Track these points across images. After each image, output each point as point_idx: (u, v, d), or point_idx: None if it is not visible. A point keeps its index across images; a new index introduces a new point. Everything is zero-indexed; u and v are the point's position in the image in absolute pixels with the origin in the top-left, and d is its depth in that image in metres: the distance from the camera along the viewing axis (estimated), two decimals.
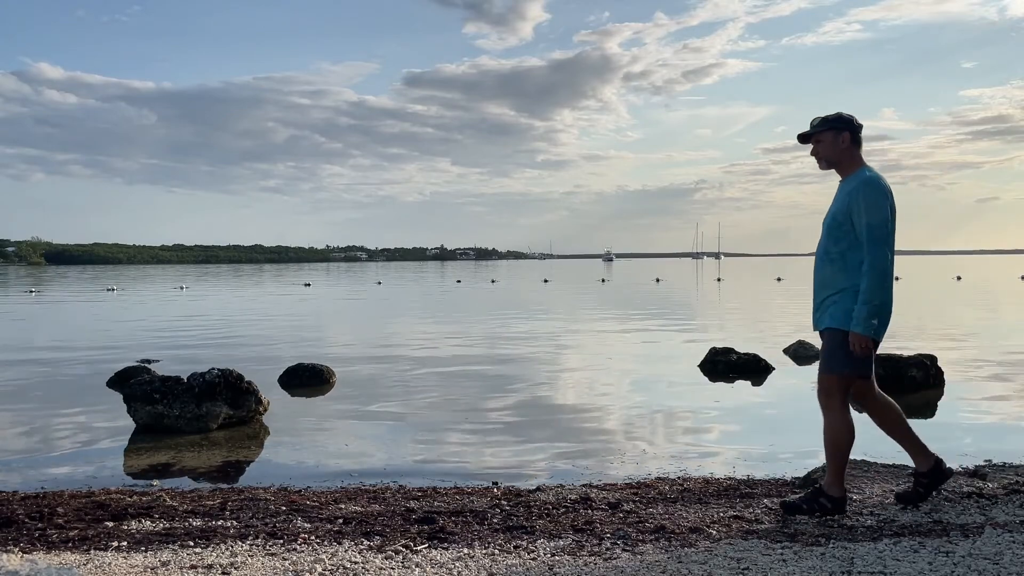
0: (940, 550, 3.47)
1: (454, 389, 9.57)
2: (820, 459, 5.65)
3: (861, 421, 7.95)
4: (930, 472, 4.24)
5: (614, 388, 9.62)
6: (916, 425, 7.53)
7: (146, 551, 3.60)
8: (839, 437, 4.11)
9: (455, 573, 3.28)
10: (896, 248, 4.09)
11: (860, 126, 4.19)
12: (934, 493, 4.29)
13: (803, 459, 5.90)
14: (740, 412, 8.11)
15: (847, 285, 4.01)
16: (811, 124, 4.21)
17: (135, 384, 7.51)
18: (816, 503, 4.12)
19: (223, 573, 3.28)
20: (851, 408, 4.20)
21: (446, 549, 3.59)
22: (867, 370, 4.09)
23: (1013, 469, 5.24)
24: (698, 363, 11.05)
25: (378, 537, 3.76)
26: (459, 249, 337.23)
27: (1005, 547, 3.51)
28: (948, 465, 4.29)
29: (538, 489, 4.76)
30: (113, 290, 40.49)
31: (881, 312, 3.97)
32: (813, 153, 4.22)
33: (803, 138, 4.23)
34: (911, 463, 5.37)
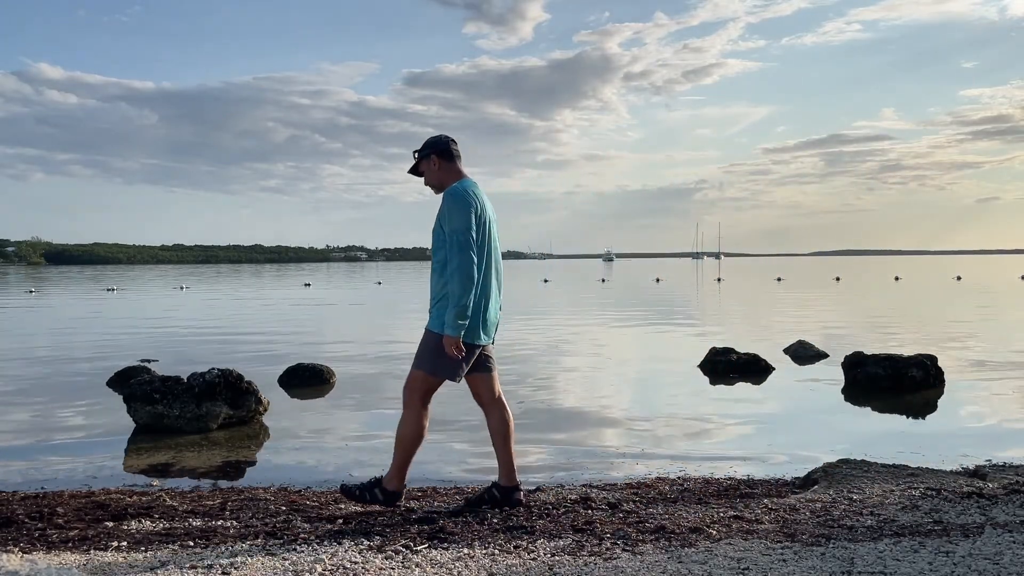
0: (940, 550, 3.47)
1: (454, 389, 9.51)
2: (820, 459, 5.66)
3: (866, 422, 7.95)
4: (508, 489, 4.27)
5: (614, 388, 9.63)
6: (916, 426, 7.59)
7: (146, 551, 3.60)
8: (408, 434, 4.21)
9: (455, 573, 3.28)
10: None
11: (446, 142, 4.25)
12: (498, 509, 4.23)
13: (803, 459, 5.90)
14: (740, 412, 8.10)
15: (448, 292, 4.08)
16: (413, 155, 4.32)
17: (135, 384, 7.51)
18: (370, 492, 4.24)
19: (223, 573, 3.28)
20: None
21: (446, 549, 3.59)
22: (455, 375, 4.20)
23: (1013, 469, 5.24)
24: (698, 363, 11.05)
25: (378, 537, 3.76)
26: None
27: (1005, 547, 3.51)
28: (520, 496, 4.30)
29: (538, 489, 4.76)
30: (113, 290, 40.50)
31: (471, 314, 4.04)
32: (425, 183, 4.31)
33: (412, 171, 4.35)
34: (911, 463, 5.39)
